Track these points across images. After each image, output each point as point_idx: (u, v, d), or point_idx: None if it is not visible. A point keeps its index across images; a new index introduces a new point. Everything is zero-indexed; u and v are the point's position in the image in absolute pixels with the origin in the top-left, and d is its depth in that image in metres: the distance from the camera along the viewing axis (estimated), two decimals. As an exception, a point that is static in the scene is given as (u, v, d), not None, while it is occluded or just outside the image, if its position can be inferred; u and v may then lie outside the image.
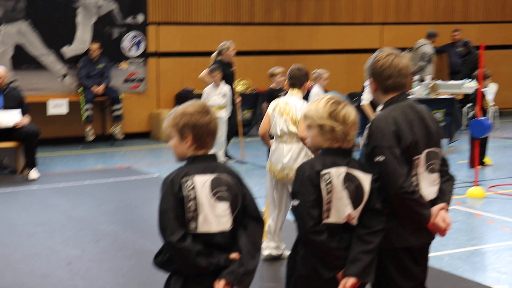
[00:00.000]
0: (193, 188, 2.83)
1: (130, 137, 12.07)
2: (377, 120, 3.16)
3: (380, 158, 3.06)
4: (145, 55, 12.44)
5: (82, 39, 11.92)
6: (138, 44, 12.35)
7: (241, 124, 10.59)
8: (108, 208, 7.21)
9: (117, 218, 6.82)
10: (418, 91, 11.13)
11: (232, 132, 10.05)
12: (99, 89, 11.57)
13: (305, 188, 2.97)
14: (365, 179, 3.05)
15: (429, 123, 3.25)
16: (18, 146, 9.11)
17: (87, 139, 11.58)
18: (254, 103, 12.76)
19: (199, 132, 2.90)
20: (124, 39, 12.22)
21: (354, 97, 10.22)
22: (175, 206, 2.81)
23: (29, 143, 8.97)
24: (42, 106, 11.09)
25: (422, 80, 12.05)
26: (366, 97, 8.84)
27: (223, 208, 2.87)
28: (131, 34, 12.27)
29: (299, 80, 5.44)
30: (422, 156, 3.18)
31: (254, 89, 12.98)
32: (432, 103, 11.00)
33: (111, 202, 7.57)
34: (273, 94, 9.37)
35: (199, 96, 11.17)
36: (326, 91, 9.99)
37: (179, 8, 12.63)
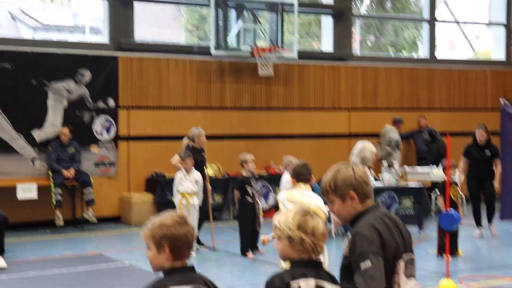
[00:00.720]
0: None
1: (101, 221, 11.96)
2: (360, 229, 3.22)
3: (367, 264, 3.09)
4: (116, 138, 12.50)
5: (53, 123, 11.94)
6: (109, 128, 12.41)
7: (212, 208, 10.60)
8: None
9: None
10: (387, 178, 11.31)
11: (203, 219, 10.05)
12: (69, 173, 11.53)
13: None
14: None
15: (403, 230, 3.35)
16: (-15, 234, 8.97)
17: (57, 224, 11.44)
18: (225, 187, 12.82)
19: (177, 243, 2.95)
20: (95, 122, 12.29)
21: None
22: None
23: (-2, 231, 8.85)
24: (11, 190, 11.00)
25: (390, 165, 12.28)
26: None
27: None
28: (102, 118, 12.34)
29: (305, 176, 5.91)
30: (402, 263, 3.26)
31: (224, 173, 13.05)
32: (401, 191, 11.20)
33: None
34: (245, 181, 9.48)
35: (170, 180, 11.23)
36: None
37: (150, 93, 12.79)
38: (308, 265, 3.08)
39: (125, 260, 8.96)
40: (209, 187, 10.17)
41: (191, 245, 3.02)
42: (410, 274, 3.29)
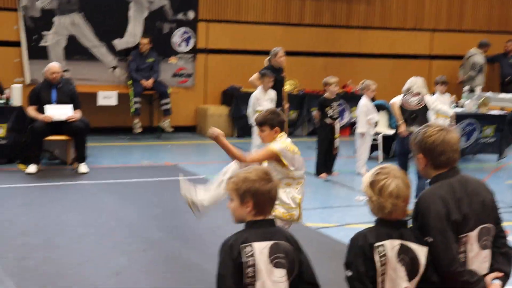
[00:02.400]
0: (252, 255, 2.90)
1: (176, 130, 12.23)
2: (424, 198, 3.17)
3: (429, 239, 3.09)
4: (194, 51, 12.55)
5: (133, 33, 12.08)
6: (187, 40, 12.46)
7: (287, 124, 10.64)
8: (156, 213, 7.35)
9: (165, 225, 6.95)
10: (468, 105, 11.01)
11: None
12: (148, 83, 11.74)
13: (358, 260, 3.00)
14: (421, 251, 3.07)
15: (483, 198, 3.24)
16: (68, 140, 9.32)
17: (134, 131, 11.79)
18: (301, 104, 12.81)
19: (260, 199, 2.97)
20: (174, 34, 12.35)
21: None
22: (233, 272, 2.88)
23: (80, 137, 9.18)
24: (92, 96, 11.31)
25: (472, 90, 11.93)
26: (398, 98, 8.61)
27: (280, 274, 2.94)
28: (181, 30, 12.38)
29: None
30: (474, 233, 3.18)
31: (300, 89, 13.01)
32: (483, 119, 10.89)
33: (159, 205, 7.70)
34: (326, 103, 9.43)
35: (246, 94, 11.29)
36: (373, 101, 9.99)
37: (229, 7, 12.69)
38: (392, 225, 3.05)
39: (200, 174, 9.16)
40: (286, 105, 10.19)
41: (274, 202, 3.02)
42: (484, 245, 3.22)
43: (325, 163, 9.57)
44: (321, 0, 13.25)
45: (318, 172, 9.57)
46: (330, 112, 9.40)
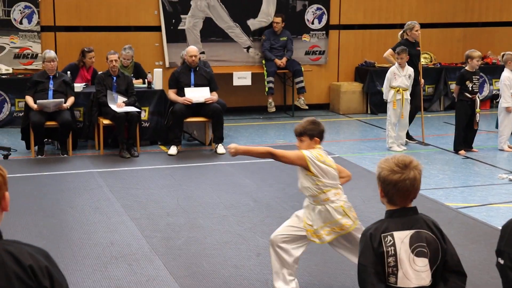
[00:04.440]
0: (393, 244, 2.88)
1: (310, 108, 12.27)
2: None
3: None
4: (327, 27, 12.48)
5: (267, 12, 12.19)
6: (320, 17, 12.41)
7: (423, 99, 10.38)
8: (292, 193, 7.44)
9: (301, 205, 7.01)
10: None
11: (414, 113, 9.91)
12: (281, 61, 11.83)
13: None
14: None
15: None
16: (206, 121, 9.62)
17: (269, 110, 11.96)
18: (437, 77, 12.44)
19: (386, 188, 2.94)
20: (307, 12, 12.33)
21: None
22: (375, 261, 2.87)
23: (217, 119, 9.43)
24: (228, 77, 11.57)
25: None
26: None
27: (423, 263, 2.90)
28: (313, 7, 12.35)
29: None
30: None
31: (437, 62, 12.62)
32: None
33: (295, 185, 7.77)
34: (466, 76, 9.11)
35: (380, 70, 11.11)
36: (517, 73, 9.51)
37: (362, -20, 12.49)
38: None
39: (334, 153, 9.16)
40: (422, 80, 9.95)
41: (405, 194, 2.94)
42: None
43: (464, 139, 9.27)
44: (458, -32, 12.73)
45: (456, 149, 9.28)
46: (470, 85, 9.07)
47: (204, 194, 7.41)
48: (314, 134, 4.68)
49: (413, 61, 9.57)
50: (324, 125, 4.83)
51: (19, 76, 10.85)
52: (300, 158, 4.57)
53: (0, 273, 2.09)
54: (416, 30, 9.71)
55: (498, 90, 10.24)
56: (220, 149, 9.32)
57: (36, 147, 9.00)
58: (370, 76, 12.19)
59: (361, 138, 10.57)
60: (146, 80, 9.98)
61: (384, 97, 9.64)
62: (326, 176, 4.60)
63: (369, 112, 12.24)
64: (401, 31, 9.87)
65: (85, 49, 10.12)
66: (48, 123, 8.92)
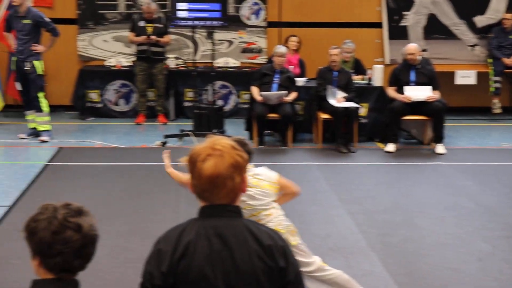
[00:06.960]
0: None
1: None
2: None
3: None
4: None
5: (496, 9, 11.59)
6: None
7: None
8: None
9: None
10: None
11: None
12: (510, 60, 11.19)
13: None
14: None
15: None
16: (426, 120, 9.37)
17: (493, 111, 11.36)
18: None
19: None
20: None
21: None
22: None
23: (437, 118, 9.16)
24: (450, 75, 11.16)
25: None
26: None
27: None
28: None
29: None
30: None
31: None
32: None
33: None
34: None
35: None
36: None
37: None
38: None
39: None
40: None
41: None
42: None
43: None
44: None
45: None
46: None
47: (422, 194, 7.24)
48: None
49: None
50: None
51: (245, 69, 11.38)
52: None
53: (243, 250, 2.22)
54: None
55: None
56: (440, 149, 9.04)
57: (258, 137, 9.38)
58: None
59: None
60: (366, 76, 9.97)
61: None
62: (254, 199, 4.15)
63: None
64: None
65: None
66: (270, 115, 9.27)
